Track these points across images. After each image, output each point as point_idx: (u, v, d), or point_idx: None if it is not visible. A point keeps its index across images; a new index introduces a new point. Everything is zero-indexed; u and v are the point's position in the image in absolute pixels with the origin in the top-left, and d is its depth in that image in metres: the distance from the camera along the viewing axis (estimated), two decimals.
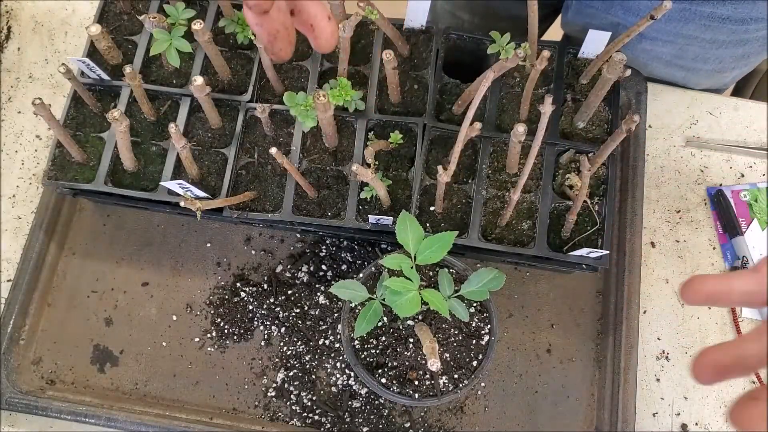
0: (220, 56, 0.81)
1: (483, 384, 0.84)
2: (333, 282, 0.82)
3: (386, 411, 0.83)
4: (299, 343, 0.85)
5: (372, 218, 0.77)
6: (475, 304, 0.76)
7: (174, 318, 0.87)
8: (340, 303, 0.86)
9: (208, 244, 0.90)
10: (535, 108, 0.81)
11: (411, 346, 0.75)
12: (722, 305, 0.41)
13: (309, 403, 0.83)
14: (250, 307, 0.87)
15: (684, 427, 0.83)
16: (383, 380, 0.74)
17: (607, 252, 0.76)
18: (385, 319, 0.76)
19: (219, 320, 0.87)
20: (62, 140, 0.78)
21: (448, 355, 0.75)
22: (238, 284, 0.88)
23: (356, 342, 0.75)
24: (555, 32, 1.04)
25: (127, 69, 0.73)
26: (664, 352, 0.86)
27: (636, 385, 0.81)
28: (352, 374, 0.84)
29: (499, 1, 1.01)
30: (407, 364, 0.75)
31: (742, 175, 0.92)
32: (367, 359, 0.75)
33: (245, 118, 0.84)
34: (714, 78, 0.96)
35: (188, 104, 0.84)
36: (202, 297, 0.88)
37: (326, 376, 0.84)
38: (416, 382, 0.74)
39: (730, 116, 0.95)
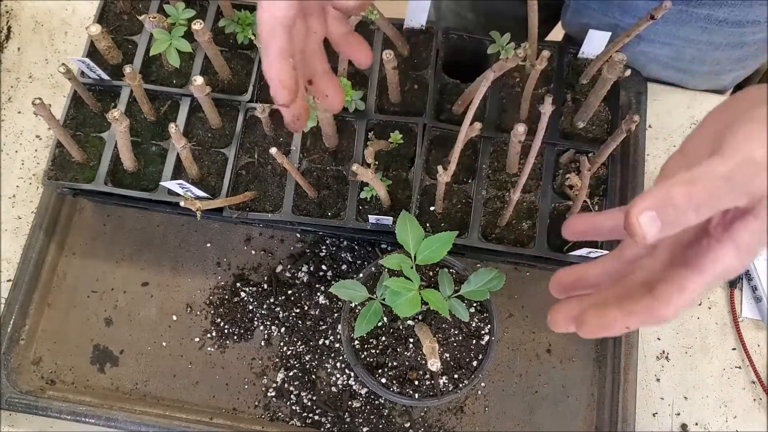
0: (220, 56, 0.82)
1: (483, 384, 0.84)
2: (333, 282, 0.82)
3: (386, 411, 0.83)
4: (299, 343, 0.85)
5: (372, 218, 0.77)
6: (475, 304, 0.76)
7: (174, 318, 0.87)
8: (340, 303, 0.86)
9: (208, 244, 0.90)
10: (535, 108, 0.81)
11: (411, 346, 0.75)
12: (594, 238, 0.50)
13: (309, 403, 0.83)
14: (250, 307, 0.87)
15: (684, 427, 0.83)
16: (383, 380, 0.74)
17: (608, 252, 0.76)
18: (385, 319, 0.76)
19: (219, 320, 0.87)
20: (62, 140, 0.78)
21: (448, 355, 0.75)
22: (238, 284, 0.88)
23: (356, 342, 0.75)
24: (559, 34, 1.04)
25: (127, 69, 0.73)
26: (664, 352, 0.86)
27: (636, 385, 0.81)
28: (352, 374, 0.84)
29: (502, 0, 1.01)
30: (407, 364, 0.75)
31: None
32: (367, 359, 0.75)
33: (245, 118, 0.84)
34: (712, 80, 0.95)
35: (188, 104, 0.84)
36: (202, 297, 0.88)
37: (326, 376, 0.84)
38: (416, 382, 0.74)
39: None
